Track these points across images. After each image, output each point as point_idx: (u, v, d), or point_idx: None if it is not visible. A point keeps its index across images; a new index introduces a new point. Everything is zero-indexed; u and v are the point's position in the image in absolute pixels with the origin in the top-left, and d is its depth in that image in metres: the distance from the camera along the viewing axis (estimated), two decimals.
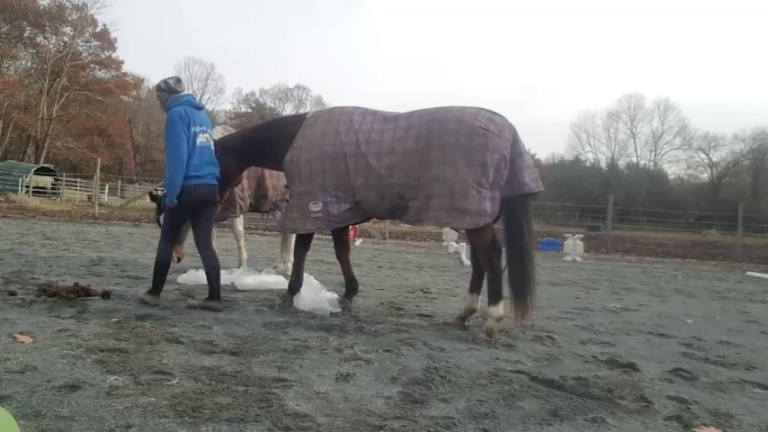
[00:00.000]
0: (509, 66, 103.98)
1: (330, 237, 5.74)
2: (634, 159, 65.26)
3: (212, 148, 4.85)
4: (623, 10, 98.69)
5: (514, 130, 4.41)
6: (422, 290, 6.89)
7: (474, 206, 4.18)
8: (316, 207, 4.69)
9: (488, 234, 4.37)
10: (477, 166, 4.18)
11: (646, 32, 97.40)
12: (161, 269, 4.72)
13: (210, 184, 4.78)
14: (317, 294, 4.96)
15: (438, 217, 4.38)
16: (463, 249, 12.88)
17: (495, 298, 4.32)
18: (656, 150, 64.12)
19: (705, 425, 2.69)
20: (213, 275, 4.77)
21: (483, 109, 4.47)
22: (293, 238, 7.78)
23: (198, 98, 5.04)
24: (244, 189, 6.93)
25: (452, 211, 4.25)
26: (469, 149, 4.20)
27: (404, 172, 4.41)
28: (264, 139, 5.17)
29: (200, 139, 4.71)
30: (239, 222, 7.22)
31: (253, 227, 16.29)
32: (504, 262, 4.41)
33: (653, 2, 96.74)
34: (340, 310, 4.95)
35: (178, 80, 4.96)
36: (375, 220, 5.21)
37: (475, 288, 4.77)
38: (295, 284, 5.10)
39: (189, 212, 4.80)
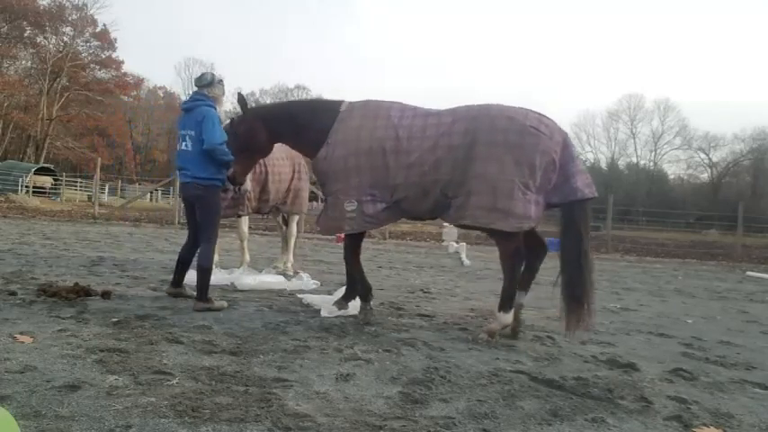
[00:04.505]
0: (509, 66, 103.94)
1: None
2: (634, 159, 65.29)
3: (186, 148, 4.85)
4: (623, 10, 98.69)
5: (565, 133, 4.26)
6: (422, 290, 6.89)
7: (519, 208, 4.00)
8: (350, 206, 4.45)
9: (518, 241, 4.22)
10: (525, 166, 4.00)
11: (646, 32, 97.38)
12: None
13: (181, 182, 5.08)
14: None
15: (476, 216, 4.11)
16: (463, 249, 12.88)
17: (506, 305, 4.23)
18: (656, 150, 64.13)
19: (705, 425, 2.70)
20: (198, 274, 4.75)
21: (532, 110, 4.29)
22: (293, 239, 7.83)
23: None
24: (250, 191, 6.90)
25: (494, 211, 4.03)
26: (519, 148, 4.01)
27: (450, 168, 4.20)
28: (297, 117, 4.92)
29: (179, 143, 4.98)
30: (244, 223, 7.20)
31: (253, 227, 16.26)
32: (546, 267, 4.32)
33: (653, 2, 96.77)
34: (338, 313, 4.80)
35: (197, 78, 5.18)
36: None
37: (523, 286, 4.46)
38: (364, 292, 4.86)
39: (185, 208, 5.22)
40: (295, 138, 5.01)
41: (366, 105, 4.76)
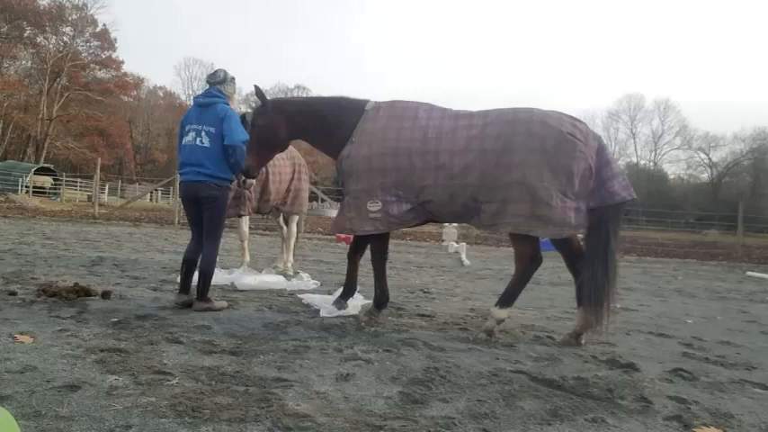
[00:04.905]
0: (509, 66, 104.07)
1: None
2: (634, 159, 65.36)
3: (201, 144, 4.67)
4: (623, 10, 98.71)
5: (599, 137, 4.23)
6: (422, 290, 6.89)
7: (557, 216, 3.97)
8: (374, 207, 4.37)
9: (535, 246, 4.22)
10: (562, 173, 3.98)
11: (646, 32, 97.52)
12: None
13: (188, 180, 4.73)
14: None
15: (516, 224, 4.08)
16: (463, 249, 12.88)
17: (505, 301, 4.26)
18: (656, 150, 64.23)
19: (705, 425, 2.69)
20: (200, 276, 4.68)
21: (564, 114, 4.24)
22: (293, 239, 7.83)
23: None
24: (251, 191, 6.89)
25: (532, 218, 4.01)
26: (556, 155, 3.98)
27: (480, 173, 4.14)
28: (325, 115, 4.79)
29: (187, 138, 4.75)
30: (245, 223, 7.19)
31: (253, 227, 16.27)
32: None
33: (653, 2, 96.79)
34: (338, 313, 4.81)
35: (210, 74, 5.04)
36: None
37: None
38: (381, 299, 4.78)
39: (187, 207, 4.92)
40: (319, 136, 4.91)
41: (392, 105, 4.69)
